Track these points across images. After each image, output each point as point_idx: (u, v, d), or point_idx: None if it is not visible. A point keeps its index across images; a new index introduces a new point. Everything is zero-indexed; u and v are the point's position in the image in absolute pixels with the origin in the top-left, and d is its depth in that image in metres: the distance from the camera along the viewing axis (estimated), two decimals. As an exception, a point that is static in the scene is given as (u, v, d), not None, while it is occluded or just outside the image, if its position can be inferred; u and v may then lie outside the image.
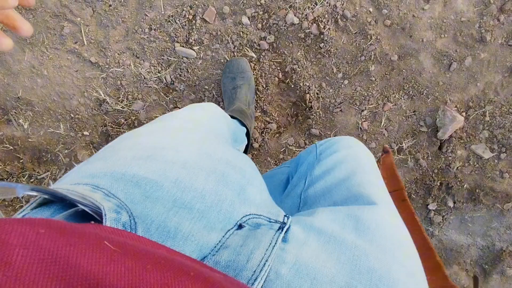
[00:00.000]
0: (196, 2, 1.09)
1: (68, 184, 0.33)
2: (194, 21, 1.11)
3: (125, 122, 1.22)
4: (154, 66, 1.16)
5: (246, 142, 0.98)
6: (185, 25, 1.11)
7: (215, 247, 0.33)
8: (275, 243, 0.34)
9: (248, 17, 1.10)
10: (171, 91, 1.19)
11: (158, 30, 1.12)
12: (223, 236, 0.34)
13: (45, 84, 1.18)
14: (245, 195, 0.39)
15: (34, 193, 0.29)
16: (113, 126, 1.23)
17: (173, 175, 0.36)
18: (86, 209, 0.29)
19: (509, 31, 1.11)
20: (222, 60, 1.15)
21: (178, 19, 1.11)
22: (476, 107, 1.20)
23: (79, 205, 0.29)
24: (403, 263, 0.37)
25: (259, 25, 1.11)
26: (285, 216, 0.40)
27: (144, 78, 1.17)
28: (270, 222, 0.38)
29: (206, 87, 1.18)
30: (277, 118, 1.22)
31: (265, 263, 0.31)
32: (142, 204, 0.32)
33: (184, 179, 0.36)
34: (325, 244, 0.36)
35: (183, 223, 0.32)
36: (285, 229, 0.37)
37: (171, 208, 0.33)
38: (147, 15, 1.10)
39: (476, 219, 1.35)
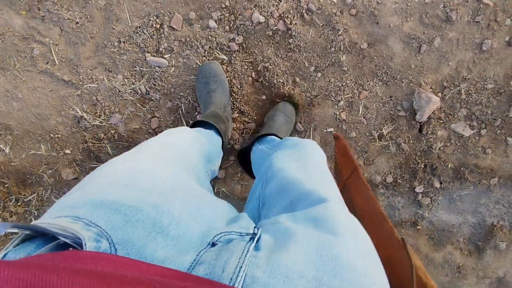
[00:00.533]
0: (162, 10, 1.09)
1: (50, 218, 0.34)
2: (162, 30, 1.11)
3: (105, 136, 1.22)
4: (128, 78, 1.15)
5: (221, 155, 0.97)
6: (154, 34, 1.11)
7: (191, 265, 0.34)
8: (247, 251, 0.36)
9: (215, 21, 1.10)
10: (147, 101, 1.19)
11: (128, 42, 1.12)
12: (197, 255, 0.36)
13: (22, 107, 1.17)
14: (214, 226, 0.42)
15: (15, 230, 0.29)
16: (94, 142, 1.22)
17: (151, 201, 0.38)
18: (67, 240, 0.30)
19: (474, 8, 1.11)
20: (194, 66, 1.14)
21: (146, 29, 1.10)
22: (451, 86, 1.20)
23: (60, 237, 0.30)
24: (360, 249, 0.39)
25: (227, 27, 1.10)
26: (255, 227, 0.43)
27: (119, 91, 1.16)
28: (241, 235, 0.40)
29: (182, 93, 1.17)
30: (255, 118, 1.22)
31: (240, 270, 0.33)
32: (123, 229, 0.33)
33: (162, 205, 0.38)
34: (293, 240, 0.38)
35: (159, 251, 0.34)
36: (256, 238, 0.39)
37: (150, 232, 0.35)
38: (114, 29, 1.10)
39: (465, 197, 1.34)
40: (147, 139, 1.23)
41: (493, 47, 1.15)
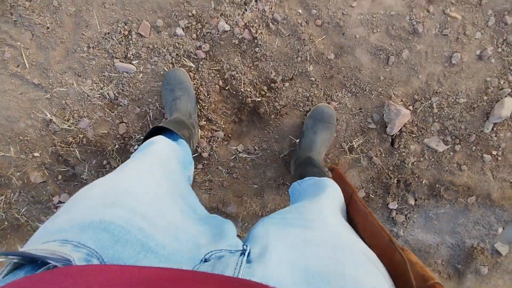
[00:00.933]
0: (130, 18, 1.10)
1: (37, 243, 0.34)
2: (130, 36, 1.12)
3: (73, 140, 1.21)
4: (96, 83, 1.16)
5: (193, 162, 0.95)
6: (122, 41, 1.12)
7: None
8: (241, 264, 0.36)
9: (182, 28, 1.11)
10: (115, 106, 1.18)
11: (96, 48, 1.13)
12: (193, 268, 0.37)
13: (-8, 109, 1.18)
14: (200, 244, 0.43)
15: (3, 259, 0.29)
16: (63, 146, 1.22)
17: (136, 223, 0.38)
18: (58, 264, 0.30)
19: (441, 20, 1.09)
20: (162, 72, 1.14)
21: (114, 36, 1.12)
22: (422, 99, 1.16)
23: (49, 261, 0.29)
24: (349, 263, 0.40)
25: (194, 35, 1.11)
26: (243, 245, 0.43)
27: (88, 95, 1.17)
28: (231, 252, 0.41)
29: (150, 100, 1.17)
30: (223, 126, 1.20)
31: (238, 275, 0.34)
32: (113, 248, 0.34)
33: (146, 229, 0.39)
34: (285, 253, 0.40)
35: (153, 265, 0.34)
36: (246, 253, 0.40)
37: (140, 251, 0.35)
38: (84, 34, 1.12)
39: (441, 215, 1.27)
40: (115, 144, 1.22)
41: (463, 61, 1.12)
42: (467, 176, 1.22)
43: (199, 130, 1.18)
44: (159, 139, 0.73)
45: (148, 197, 0.46)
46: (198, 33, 1.11)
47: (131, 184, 0.47)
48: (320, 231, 0.48)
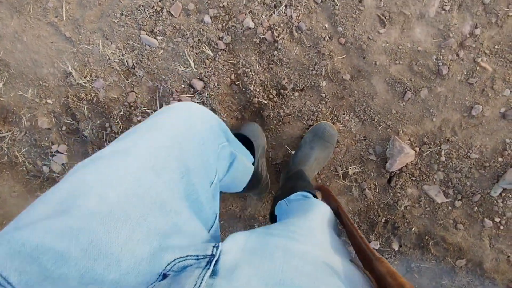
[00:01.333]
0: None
1: None
2: (161, 13, 1.16)
3: (85, 97, 1.26)
4: (120, 49, 1.20)
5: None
6: (153, 15, 1.16)
7: None
8: (201, 283, 0.32)
9: (210, 17, 1.13)
10: (131, 75, 1.22)
11: (128, 17, 1.18)
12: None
13: (23, 50, 1.26)
14: (169, 243, 0.36)
15: None
16: (74, 100, 1.27)
17: (86, 238, 0.31)
18: None
19: (470, 68, 1.04)
20: (181, 54, 1.17)
21: (147, 9, 1.16)
22: (431, 144, 1.10)
23: None
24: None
25: (219, 25, 1.13)
26: (214, 247, 0.39)
27: (109, 58, 1.21)
28: (198, 259, 0.37)
29: (163, 76, 1.19)
30: (225, 119, 1.19)
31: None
32: (39, 286, 0.29)
33: (100, 242, 0.31)
34: (259, 266, 0.36)
35: None
36: (213, 263, 0.35)
37: (75, 287, 0.30)
38: (121, 2, 1.17)
39: (424, 270, 1.17)
40: (121, 110, 1.25)
41: (484, 115, 1.05)
42: (461, 237, 1.13)
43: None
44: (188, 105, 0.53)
45: (124, 187, 0.36)
46: (223, 24, 1.13)
47: (108, 173, 0.37)
48: (305, 244, 0.45)
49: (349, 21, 1.06)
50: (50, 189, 0.36)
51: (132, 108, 1.23)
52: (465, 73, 1.04)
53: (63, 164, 1.32)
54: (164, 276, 0.34)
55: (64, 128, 1.30)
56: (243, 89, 1.16)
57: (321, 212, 0.65)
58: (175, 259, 0.35)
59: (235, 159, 0.66)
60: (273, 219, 0.91)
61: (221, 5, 1.11)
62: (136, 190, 0.37)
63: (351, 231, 0.61)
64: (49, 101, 1.28)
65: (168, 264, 0.35)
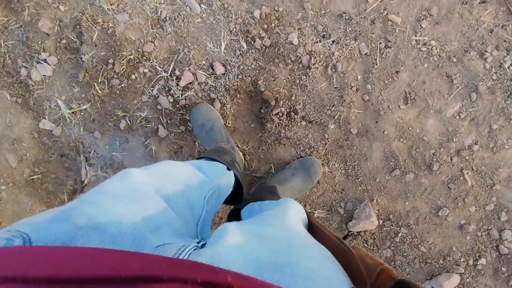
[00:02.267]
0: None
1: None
2: (217, -15, 1.10)
3: (101, 23, 1.15)
4: (160, -4, 1.12)
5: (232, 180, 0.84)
6: (208, -17, 1.10)
7: None
8: (188, 245, 0.34)
9: (261, 13, 1.09)
10: (158, 26, 1.14)
11: (184, -29, 1.11)
12: None
13: None
14: (159, 233, 0.38)
15: None
16: (88, 20, 1.15)
17: (90, 198, 0.35)
18: None
19: (454, 175, 1.11)
20: (217, 32, 1.11)
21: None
22: (394, 223, 1.15)
23: None
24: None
25: (265, 26, 1.10)
26: (199, 241, 0.40)
27: (145, 0, 1.13)
28: (184, 246, 0.37)
29: (189, 44, 1.13)
30: (228, 112, 1.16)
31: (178, 256, 0.31)
32: (47, 227, 0.31)
33: (103, 203, 0.35)
34: (238, 243, 0.37)
35: (89, 245, 0.31)
36: (200, 244, 0.37)
37: (82, 227, 0.32)
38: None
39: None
40: (131, 54, 1.16)
41: (447, 219, 1.12)
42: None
43: (239, 151, 1.12)
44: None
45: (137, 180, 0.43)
46: (270, 26, 1.10)
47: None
48: (278, 228, 0.46)
49: (380, 84, 1.08)
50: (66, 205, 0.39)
51: (144, 58, 1.15)
52: (450, 177, 1.11)
53: (44, 75, 1.19)
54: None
55: (63, 41, 1.18)
56: (258, 95, 1.13)
57: (295, 207, 0.65)
58: (164, 244, 0.35)
59: (218, 187, 0.70)
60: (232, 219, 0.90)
61: (276, 8, 1.09)
62: (131, 180, 0.43)
63: (322, 230, 0.59)
64: (61, 7, 1.15)
65: (157, 246, 0.35)
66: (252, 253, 0.35)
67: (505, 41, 1.01)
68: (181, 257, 0.31)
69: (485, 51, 1.01)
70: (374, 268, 0.43)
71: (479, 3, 0.99)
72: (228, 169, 0.86)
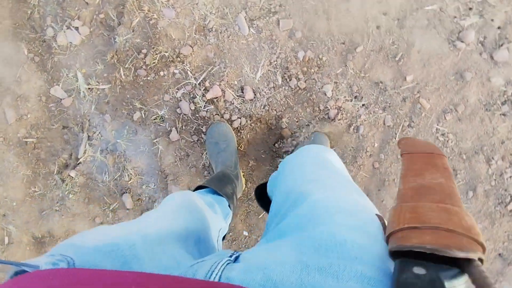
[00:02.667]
0: (288, 7, 1.10)
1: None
2: (272, 15, 1.10)
3: (146, 11, 1.10)
4: (213, 5, 1.10)
5: (230, 215, 0.85)
6: (263, 10, 1.10)
7: None
8: (222, 261, 0.33)
9: (304, 56, 1.11)
10: (202, 33, 1.12)
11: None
12: None
13: None
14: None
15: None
16: (134, 3, 1.11)
17: (131, 239, 0.37)
18: (28, 270, 0.29)
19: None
20: (257, 59, 1.11)
21: (267, 1, 1.10)
22: None
23: (24, 268, 0.29)
24: (344, 222, 0.34)
25: (304, 69, 1.11)
26: (232, 254, 0.40)
27: (197, 4, 1.11)
28: (216, 262, 0.37)
29: (227, 61, 1.12)
30: (242, 136, 1.16)
31: (211, 273, 0.31)
32: (91, 255, 0.32)
33: (138, 247, 0.37)
34: (274, 245, 0.36)
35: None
36: (233, 257, 0.36)
37: (120, 265, 0.33)
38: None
39: None
40: (166, 51, 1.13)
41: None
42: None
43: (242, 178, 1.12)
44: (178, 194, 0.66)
45: (157, 225, 0.44)
46: (308, 71, 1.11)
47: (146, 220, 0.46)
48: (302, 208, 0.41)
49: (393, 157, 1.13)
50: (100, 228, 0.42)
51: (178, 59, 1.13)
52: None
53: (71, 43, 1.14)
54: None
55: (101, 16, 1.13)
56: (278, 129, 1.14)
57: (311, 151, 0.62)
58: (198, 261, 0.36)
59: (222, 229, 0.73)
60: (264, 202, 0.89)
61: (320, 56, 1.10)
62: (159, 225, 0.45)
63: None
64: (110, -19, 1.11)
65: (192, 265, 0.36)
66: (289, 255, 0.32)
67: (511, 154, 1.08)
68: (214, 273, 0.31)
69: (492, 158, 1.08)
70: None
71: (500, 114, 1.06)
72: (229, 205, 0.86)
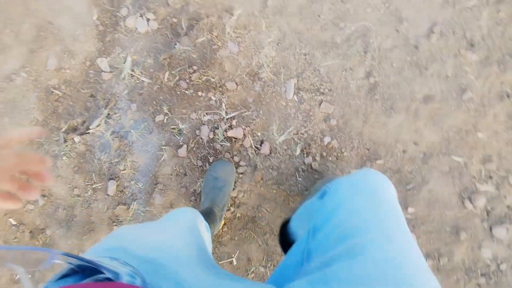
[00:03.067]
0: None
1: (90, 256, 0.36)
2: (319, 93, 1.15)
3: (214, 36, 1.17)
4: (274, 57, 1.16)
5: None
6: (313, 87, 1.15)
7: None
8: None
9: (328, 142, 1.14)
10: (251, 78, 1.16)
11: (308, 54, 1.15)
12: None
13: (239, -43, 1.16)
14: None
15: (61, 261, 0.28)
16: (206, 24, 1.17)
17: (174, 267, 0.41)
18: (109, 275, 0.30)
19: None
20: (288, 124, 1.15)
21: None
22: None
23: (103, 270, 0.30)
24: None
25: (324, 153, 1.14)
26: None
27: (259, 48, 1.16)
28: None
29: (261, 112, 1.16)
30: (244, 187, 1.18)
31: None
32: (153, 276, 0.36)
33: (181, 274, 0.41)
34: None
35: None
36: None
37: (174, 287, 0.37)
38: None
39: None
40: (214, 79, 1.18)
41: None
42: None
43: (223, 220, 1.14)
44: (191, 210, 0.77)
45: (184, 253, 0.50)
46: (327, 156, 1.14)
47: (169, 237, 0.52)
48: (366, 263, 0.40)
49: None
50: (131, 230, 0.51)
51: (220, 88, 1.17)
52: None
53: (136, 28, 1.19)
54: None
55: (174, 20, 1.19)
56: (280, 197, 1.17)
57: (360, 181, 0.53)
58: None
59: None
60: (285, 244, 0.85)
61: (342, 150, 1.14)
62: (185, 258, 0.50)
63: None
64: (196, -4, 1.17)
65: None
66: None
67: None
68: None
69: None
70: None
71: (476, 284, 1.08)
72: None
